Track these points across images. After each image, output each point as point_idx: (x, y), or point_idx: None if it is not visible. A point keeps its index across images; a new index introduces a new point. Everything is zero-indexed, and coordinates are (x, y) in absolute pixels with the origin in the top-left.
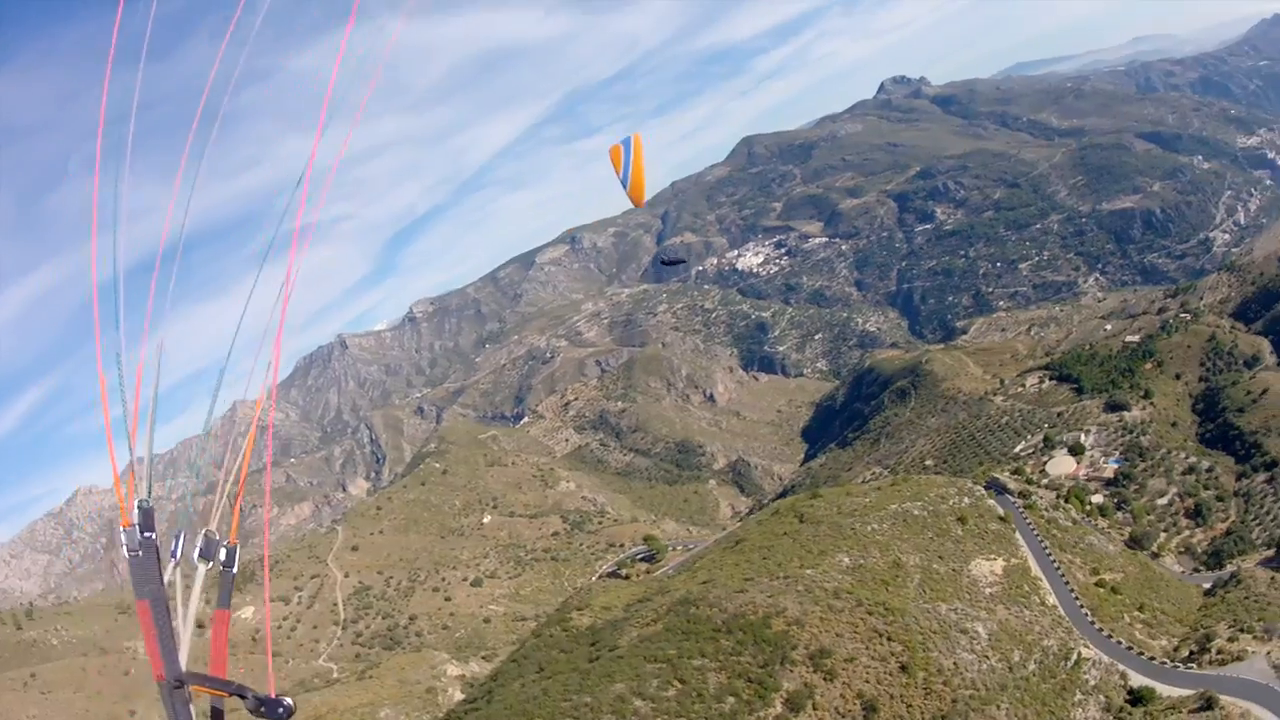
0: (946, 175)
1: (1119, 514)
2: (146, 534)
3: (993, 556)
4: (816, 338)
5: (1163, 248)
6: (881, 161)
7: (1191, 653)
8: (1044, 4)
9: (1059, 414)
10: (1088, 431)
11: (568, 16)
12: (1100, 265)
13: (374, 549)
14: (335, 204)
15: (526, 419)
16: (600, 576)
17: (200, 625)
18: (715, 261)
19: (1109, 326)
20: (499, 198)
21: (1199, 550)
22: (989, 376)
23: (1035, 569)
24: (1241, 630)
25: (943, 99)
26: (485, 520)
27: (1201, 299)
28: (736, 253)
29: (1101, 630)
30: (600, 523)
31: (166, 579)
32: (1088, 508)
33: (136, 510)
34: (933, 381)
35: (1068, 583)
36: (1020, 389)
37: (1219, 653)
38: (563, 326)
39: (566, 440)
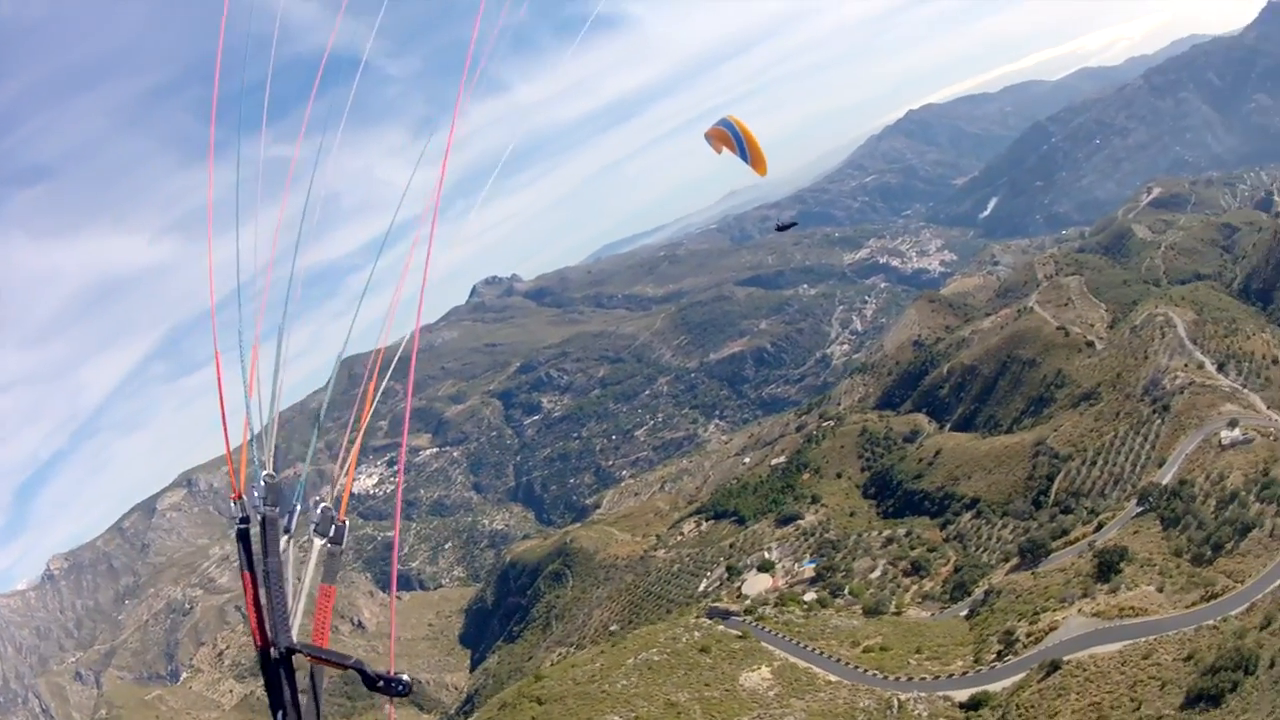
0: (548, 365)
1: (839, 600)
2: (271, 507)
3: (755, 666)
4: (447, 547)
5: (780, 377)
6: (481, 363)
7: (1000, 652)
8: (624, 191)
9: (730, 545)
10: (770, 549)
11: (171, 243)
12: (718, 412)
13: None
14: None
15: (185, 674)
16: None
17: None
18: (330, 489)
19: (747, 460)
20: (114, 441)
21: (938, 593)
22: (641, 538)
23: (801, 662)
24: (1037, 613)
25: (536, 292)
26: None
27: (839, 404)
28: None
29: (899, 678)
30: None
31: (282, 551)
32: (808, 606)
33: (262, 483)
34: (585, 557)
35: (838, 659)
36: (680, 537)
37: (1029, 636)
38: (195, 575)
39: (231, 691)
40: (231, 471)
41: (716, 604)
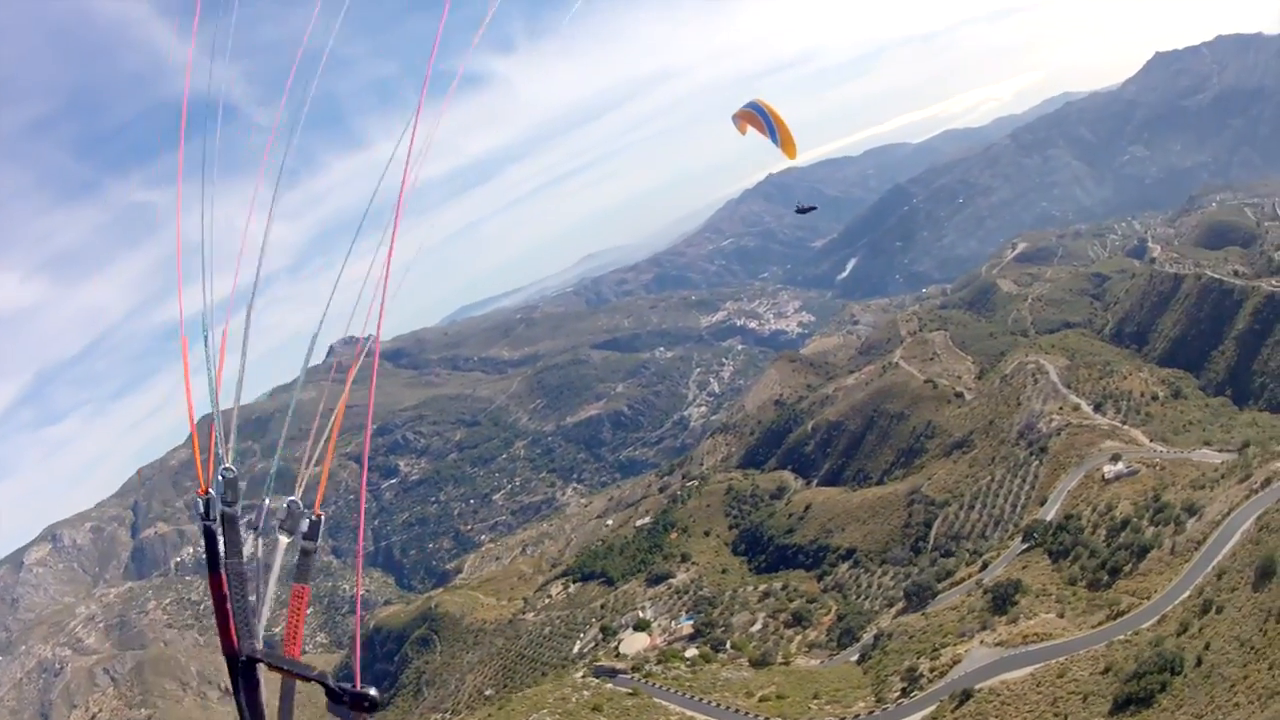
0: (405, 427)
1: (722, 655)
2: (228, 506)
3: None
4: (309, 613)
5: (638, 440)
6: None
7: (904, 689)
8: (482, 252)
9: (602, 606)
10: (644, 608)
11: (41, 282)
12: (576, 475)
13: None
14: None
15: None
16: None
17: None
18: (193, 551)
19: (610, 522)
20: None
21: (824, 641)
22: (507, 601)
23: (700, 715)
24: (937, 649)
25: (392, 353)
26: None
27: (702, 464)
28: None
29: None
30: None
31: (247, 551)
32: (692, 661)
33: (220, 478)
34: (451, 622)
35: (737, 710)
36: (548, 600)
37: (933, 670)
38: (63, 634)
39: None
40: (198, 466)
41: (600, 663)
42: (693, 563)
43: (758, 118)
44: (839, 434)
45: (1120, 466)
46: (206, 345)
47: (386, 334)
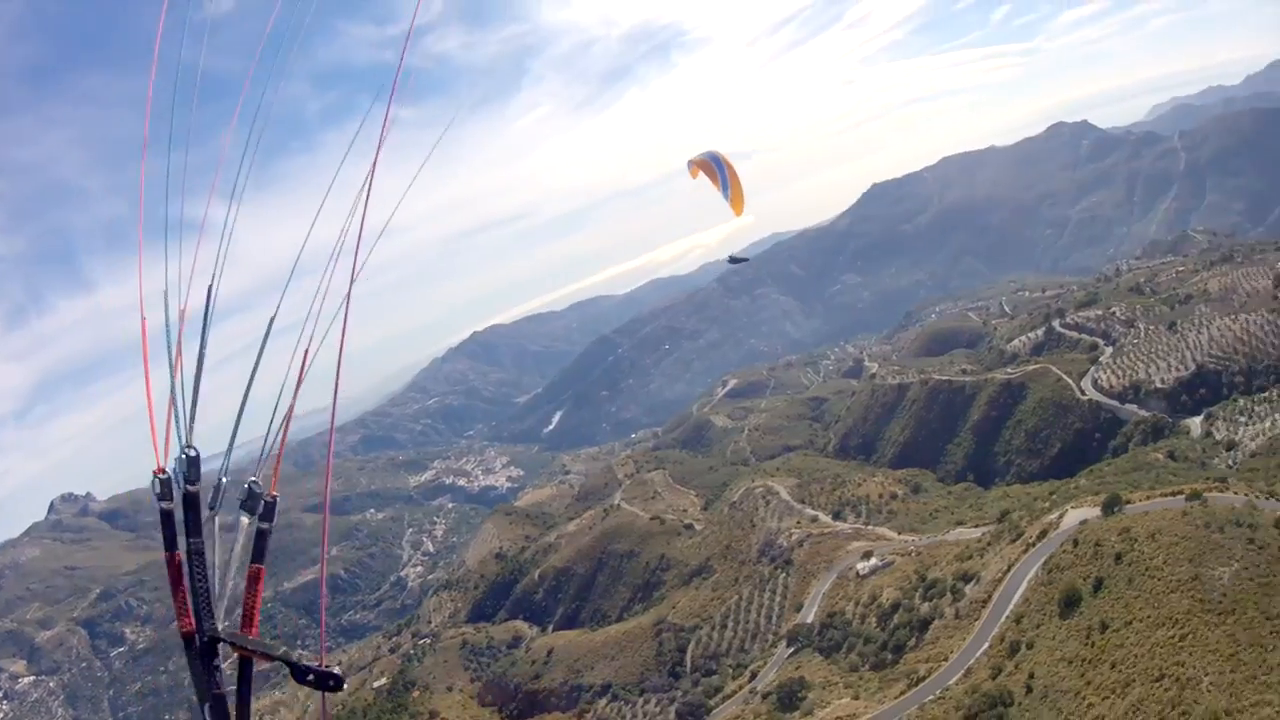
0: (127, 593)
1: None
2: (189, 485)
3: None
4: None
5: (357, 603)
6: (64, 587)
7: None
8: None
9: None
10: None
11: None
12: (300, 642)
13: None
14: None
15: None
16: None
17: None
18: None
19: (345, 686)
20: None
21: None
22: None
23: None
24: None
25: (110, 514)
26: None
27: (431, 622)
28: None
29: None
30: None
31: (205, 531)
32: None
33: (183, 458)
34: None
35: None
36: None
37: None
38: None
39: None
40: (155, 444)
41: None
42: (442, 718)
43: (712, 167)
44: (569, 579)
45: (874, 561)
46: (166, 322)
47: (103, 493)
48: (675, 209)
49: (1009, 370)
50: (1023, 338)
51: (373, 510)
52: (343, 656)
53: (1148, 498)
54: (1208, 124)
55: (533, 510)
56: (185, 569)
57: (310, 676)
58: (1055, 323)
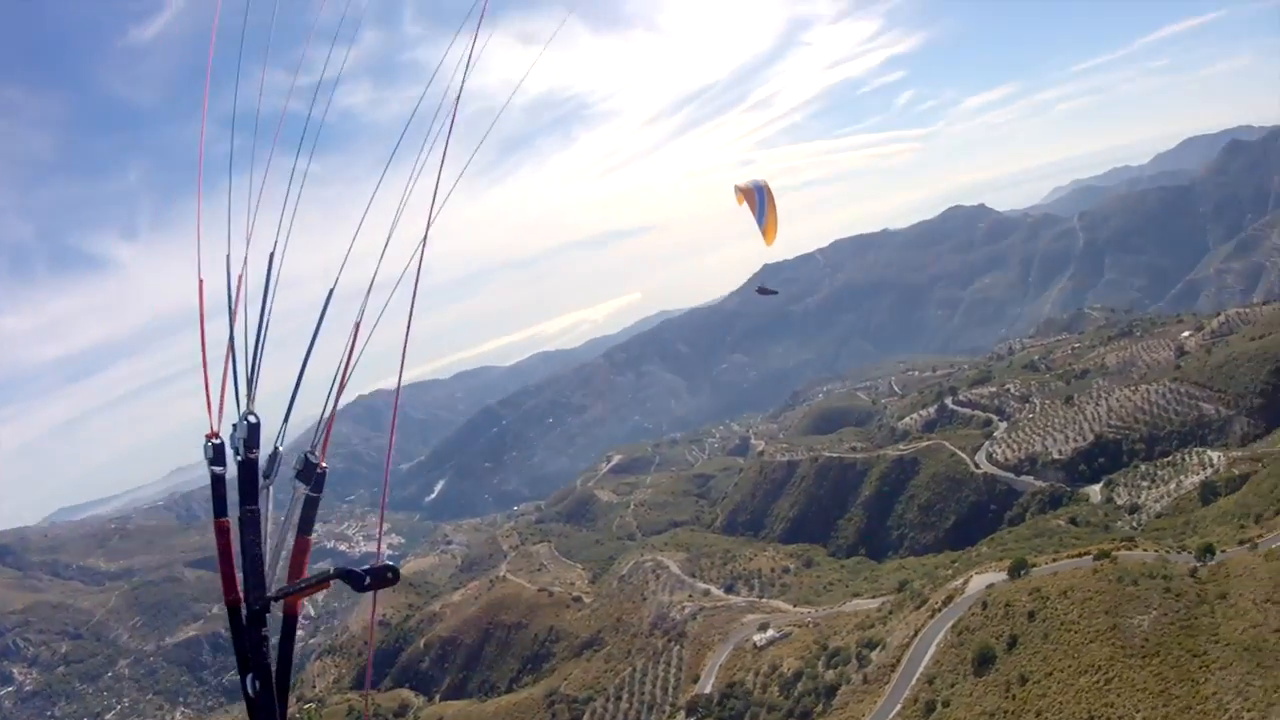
0: (15, 632)
1: None
2: (251, 452)
3: None
4: None
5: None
6: None
7: None
8: (85, 449)
9: None
10: None
11: None
12: (183, 699)
13: None
14: None
15: None
16: None
17: None
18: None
19: None
20: None
21: None
22: None
23: None
24: None
25: None
26: None
27: (315, 687)
28: None
29: None
30: None
31: (261, 500)
32: None
33: (244, 424)
34: None
35: None
36: None
37: None
38: None
39: None
40: (209, 409)
41: None
42: None
43: (754, 195)
44: (455, 648)
45: (771, 633)
46: (229, 283)
47: None
48: (562, 283)
49: (900, 447)
50: (914, 415)
51: None
52: (225, 718)
53: (1054, 559)
54: (1110, 203)
55: (415, 579)
56: (235, 536)
57: (368, 580)
58: (948, 400)
